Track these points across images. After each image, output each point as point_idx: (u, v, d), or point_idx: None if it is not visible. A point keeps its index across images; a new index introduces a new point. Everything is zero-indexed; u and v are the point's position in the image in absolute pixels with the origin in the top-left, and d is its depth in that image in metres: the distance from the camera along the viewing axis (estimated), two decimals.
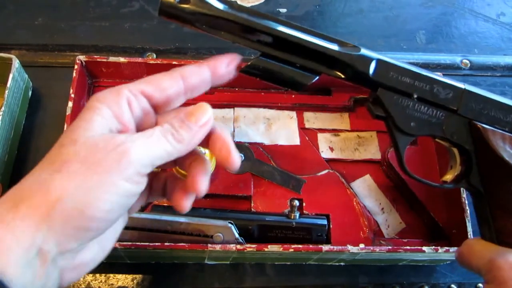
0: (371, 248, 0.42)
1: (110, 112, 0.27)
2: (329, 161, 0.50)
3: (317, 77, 0.36)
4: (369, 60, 0.36)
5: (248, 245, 0.40)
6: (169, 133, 0.27)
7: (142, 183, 0.26)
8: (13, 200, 0.24)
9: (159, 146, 0.26)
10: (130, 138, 0.26)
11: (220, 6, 0.34)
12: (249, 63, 0.35)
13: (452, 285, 0.48)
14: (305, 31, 0.35)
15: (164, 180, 0.32)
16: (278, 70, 0.36)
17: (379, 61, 0.37)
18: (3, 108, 0.45)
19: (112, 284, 0.45)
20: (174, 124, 0.27)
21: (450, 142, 0.38)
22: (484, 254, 0.34)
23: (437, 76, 0.38)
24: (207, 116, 0.28)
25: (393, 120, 0.37)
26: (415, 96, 0.37)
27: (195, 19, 0.33)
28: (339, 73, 0.36)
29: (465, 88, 0.38)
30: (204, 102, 0.29)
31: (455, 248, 0.42)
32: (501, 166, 0.36)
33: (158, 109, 0.29)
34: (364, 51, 0.36)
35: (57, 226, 0.24)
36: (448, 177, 0.40)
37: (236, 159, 0.29)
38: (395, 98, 0.37)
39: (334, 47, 0.36)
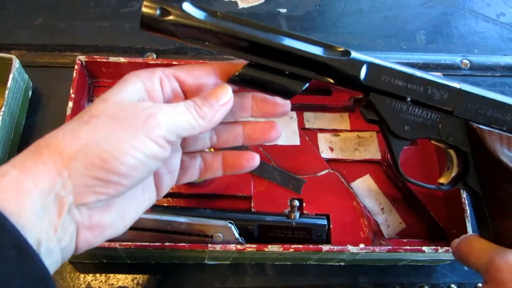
0: (371, 248, 0.42)
1: (143, 85, 0.29)
2: (329, 161, 0.50)
3: (307, 84, 0.35)
4: (360, 64, 0.35)
5: (248, 245, 0.40)
6: (193, 108, 0.29)
7: (167, 149, 0.27)
8: (38, 146, 0.25)
9: (184, 117, 0.28)
10: (158, 106, 0.27)
11: (202, 16, 0.33)
12: (236, 73, 0.34)
13: (452, 285, 0.48)
14: (292, 37, 0.34)
15: (199, 160, 0.35)
16: (267, 78, 0.35)
17: (370, 65, 0.35)
18: (3, 108, 0.45)
19: (112, 284, 0.45)
20: (197, 101, 0.29)
21: (446, 144, 0.38)
22: (483, 254, 0.34)
23: (432, 76, 0.37)
24: (227, 96, 0.31)
25: (387, 124, 0.37)
26: (409, 99, 0.36)
27: (178, 31, 0.33)
28: (329, 79, 0.35)
29: (460, 88, 0.37)
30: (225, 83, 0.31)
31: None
32: (499, 168, 0.36)
33: (189, 95, 0.31)
34: (354, 55, 0.35)
35: (78, 173, 0.24)
36: (445, 179, 0.40)
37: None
38: (388, 102, 0.36)
39: (324, 52, 0.35)
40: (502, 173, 0.35)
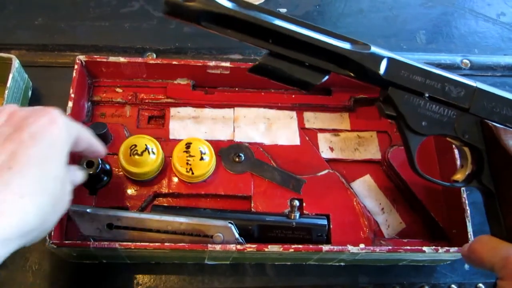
0: (371, 248, 0.42)
1: None
2: (329, 161, 0.50)
3: (327, 77, 0.36)
4: (380, 58, 0.36)
5: (248, 245, 0.40)
6: None
7: None
8: None
9: None
10: None
11: (227, 4, 0.33)
12: (257, 63, 0.34)
13: (453, 285, 0.48)
14: (314, 29, 0.35)
15: None
16: (286, 69, 0.35)
17: (390, 60, 0.36)
18: None
19: (112, 284, 0.45)
20: None
21: (461, 141, 0.38)
22: (498, 251, 0.34)
23: (449, 74, 0.37)
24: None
25: (404, 119, 0.37)
26: (427, 95, 0.36)
27: (201, 18, 0.33)
28: (349, 72, 0.36)
29: (476, 87, 0.37)
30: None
31: (455, 248, 0.42)
32: None
33: None
34: (374, 49, 0.36)
35: None
36: (459, 176, 0.40)
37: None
38: (406, 97, 0.36)
39: (345, 45, 0.35)
40: None
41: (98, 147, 0.37)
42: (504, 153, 0.36)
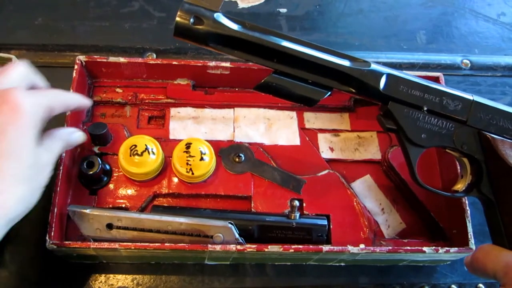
0: (371, 248, 0.42)
1: None
2: (329, 161, 0.50)
3: (329, 93, 0.37)
4: (379, 74, 0.37)
5: (248, 246, 0.40)
6: None
7: None
8: None
9: None
10: None
11: (234, 26, 0.35)
12: (262, 81, 0.36)
13: (453, 286, 0.48)
14: (316, 48, 0.36)
15: None
16: (291, 86, 0.37)
17: (389, 76, 0.37)
18: None
19: (112, 285, 0.45)
20: None
21: (460, 152, 0.39)
22: (500, 259, 0.34)
23: (446, 88, 0.39)
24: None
25: (404, 132, 0.38)
26: (425, 108, 0.38)
27: (209, 40, 0.35)
28: (350, 88, 0.37)
29: (473, 100, 0.38)
30: None
31: (456, 248, 0.42)
32: (511, 175, 0.37)
33: None
34: (374, 66, 0.37)
35: None
36: (459, 186, 0.41)
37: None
38: (406, 111, 0.38)
39: (345, 63, 0.37)
40: None
41: (77, 101, 0.38)
42: (502, 163, 0.37)
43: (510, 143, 0.38)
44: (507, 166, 0.37)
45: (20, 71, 0.34)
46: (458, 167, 0.46)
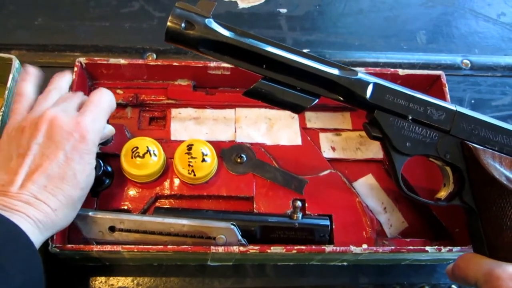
0: (374, 248, 0.42)
1: None
2: (331, 161, 0.50)
3: (316, 100, 0.38)
4: (366, 83, 0.38)
5: (251, 247, 0.40)
6: None
7: None
8: None
9: None
10: None
11: (224, 32, 0.35)
12: (251, 87, 0.37)
13: (453, 286, 0.48)
14: (305, 56, 0.37)
15: None
16: (279, 93, 0.37)
17: (376, 85, 0.38)
18: (3, 108, 0.44)
19: (112, 285, 0.45)
20: None
21: (443, 161, 0.40)
22: (482, 266, 0.35)
23: (431, 98, 0.40)
24: None
25: (390, 140, 0.39)
26: (410, 117, 0.39)
27: (200, 45, 0.35)
28: (338, 96, 0.38)
29: (456, 110, 0.39)
30: None
31: (458, 247, 0.42)
32: (492, 184, 0.38)
33: None
34: (361, 75, 0.38)
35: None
36: (442, 194, 0.42)
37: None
38: (391, 119, 0.39)
39: (334, 71, 0.38)
40: (495, 189, 0.37)
41: (112, 133, 0.44)
42: (483, 172, 0.38)
43: (491, 153, 0.39)
44: (488, 175, 0.38)
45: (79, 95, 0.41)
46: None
